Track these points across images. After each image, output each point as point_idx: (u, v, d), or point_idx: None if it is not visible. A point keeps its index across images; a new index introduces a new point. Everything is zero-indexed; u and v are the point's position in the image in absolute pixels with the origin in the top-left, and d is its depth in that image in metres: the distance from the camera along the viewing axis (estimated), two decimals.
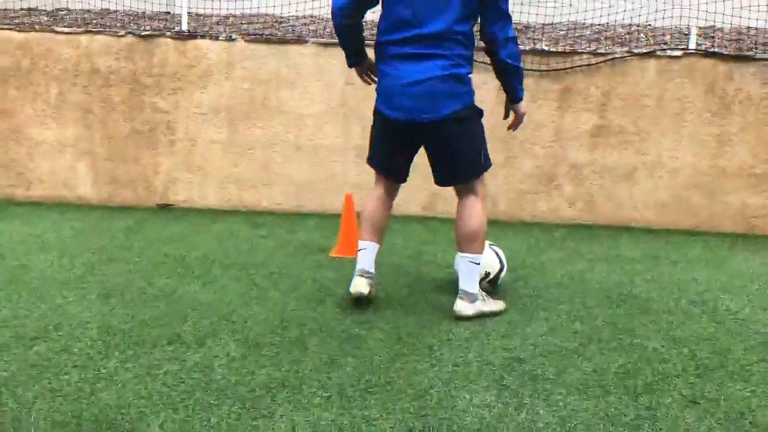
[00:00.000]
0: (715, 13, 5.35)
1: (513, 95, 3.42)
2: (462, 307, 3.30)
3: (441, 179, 3.39)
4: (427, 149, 3.36)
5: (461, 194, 3.37)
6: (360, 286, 3.35)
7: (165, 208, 5.64)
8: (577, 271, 4.14)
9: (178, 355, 2.82)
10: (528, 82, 5.32)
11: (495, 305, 3.42)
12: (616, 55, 5.27)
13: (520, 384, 2.65)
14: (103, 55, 5.53)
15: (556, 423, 2.37)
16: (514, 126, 3.53)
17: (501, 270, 3.64)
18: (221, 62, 5.48)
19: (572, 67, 5.28)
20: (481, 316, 3.32)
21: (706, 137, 5.27)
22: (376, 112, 3.39)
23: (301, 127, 5.51)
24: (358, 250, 3.44)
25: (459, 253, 3.36)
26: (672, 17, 5.51)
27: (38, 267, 3.97)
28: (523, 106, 3.47)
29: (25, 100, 5.61)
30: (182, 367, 2.71)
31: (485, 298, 3.41)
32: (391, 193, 3.52)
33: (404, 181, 3.52)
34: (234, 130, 5.54)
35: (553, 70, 5.29)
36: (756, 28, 5.60)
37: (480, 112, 3.36)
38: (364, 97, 5.46)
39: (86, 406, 2.40)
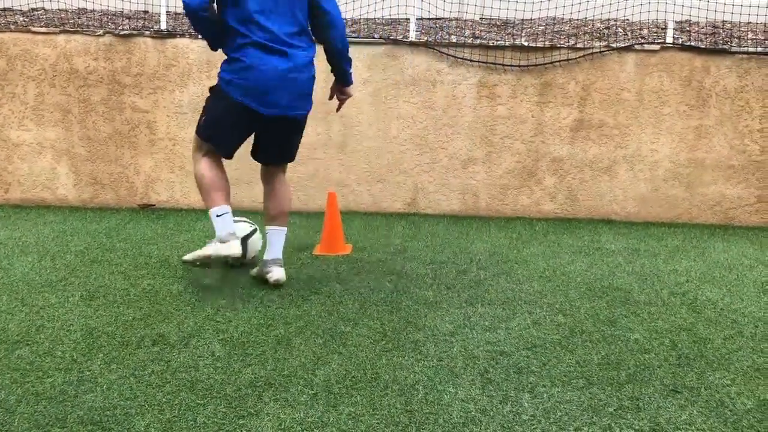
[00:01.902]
0: (690, 7, 5.41)
1: (345, 79, 3.65)
2: (281, 274, 3.60)
3: (271, 158, 3.64)
4: (270, 134, 3.54)
5: (278, 173, 3.68)
6: (235, 247, 3.47)
7: (147, 208, 5.61)
8: (559, 265, 4.18)
9: (162, 355, 2.81)
10: (508, 78, 5.38)
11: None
12: (595, 50, 5.31)
13: (504, 377, 2.67)
14: (82, 55, 5.48)
15: (541, 415, 2.39)
16: (339, 107, 3.79)
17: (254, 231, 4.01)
18: (201, 61, 5.45)
19: (552, 62, 5.31)
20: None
21: (684, 130, 5.33)
22: (237, 104, 3.38)
23: None
24: (219, 216, 3.51)
25: (274, 227, 3.66)
26: (649, 12, 5.57)
27: (19, 270, 3.93)
28: (352, 88, 3.73)
29: (2, 101, 5.55)
30: (167, 367, 2.71)
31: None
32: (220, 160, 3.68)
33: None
34: None
35: (533, 65, 5.32)
36: (731, 22, 5.68)
37: None
38: None
39: (71, 408, 2.38)
